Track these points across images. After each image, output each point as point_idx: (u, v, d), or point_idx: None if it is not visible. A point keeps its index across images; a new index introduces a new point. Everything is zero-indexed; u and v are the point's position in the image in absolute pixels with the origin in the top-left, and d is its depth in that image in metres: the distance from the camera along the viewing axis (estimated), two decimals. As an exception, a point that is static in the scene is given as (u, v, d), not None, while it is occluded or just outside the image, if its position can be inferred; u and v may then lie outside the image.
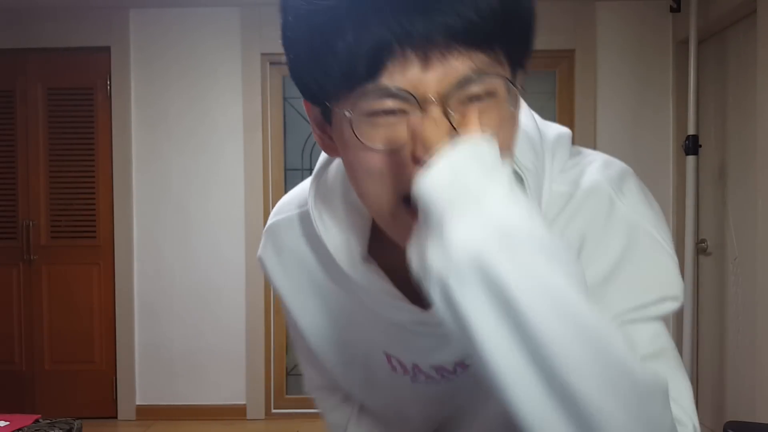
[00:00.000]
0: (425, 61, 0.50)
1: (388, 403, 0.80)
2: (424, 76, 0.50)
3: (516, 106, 0.55)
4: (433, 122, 0.50)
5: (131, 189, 3.56)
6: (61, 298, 3.60)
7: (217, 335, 3.55)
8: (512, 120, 0.56)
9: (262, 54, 3.52)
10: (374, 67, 0.50)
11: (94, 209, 3.58)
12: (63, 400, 3.59)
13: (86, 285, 3.59)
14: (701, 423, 3.34)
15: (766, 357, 2.60)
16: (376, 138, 0.53)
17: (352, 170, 0.57)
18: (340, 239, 0.65)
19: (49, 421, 2.33)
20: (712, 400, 3.21)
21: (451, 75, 0.50)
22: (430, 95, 0.50)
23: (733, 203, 3.01)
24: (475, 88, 0.52)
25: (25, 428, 2.24)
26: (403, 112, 0.52)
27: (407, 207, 0.53)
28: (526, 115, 0.66)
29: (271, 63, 3.54)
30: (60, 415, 2.87)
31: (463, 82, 0.51)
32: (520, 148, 0.61)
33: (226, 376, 3.56)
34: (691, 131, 3.03)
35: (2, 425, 2.22)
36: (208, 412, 3.56)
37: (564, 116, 3.53)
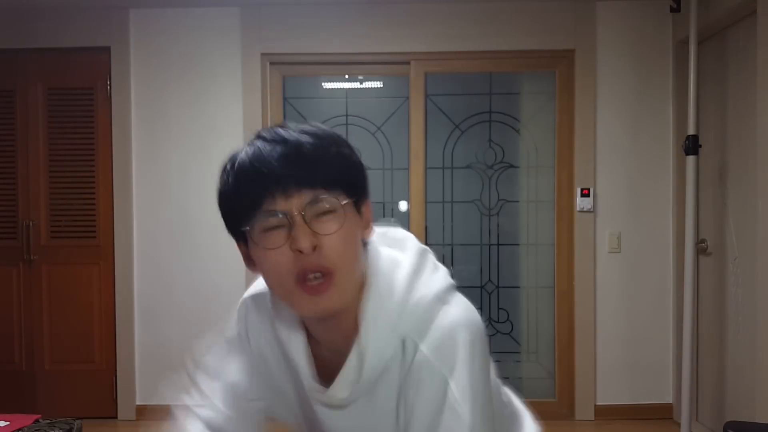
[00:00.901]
0: (285, 196, 0.84)
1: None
2: (287, 203, 0.84)
3: (359, 215, 0.90)
4: (299, 227, 0.83)
5: (131, 189, 3.56)
6: (61, 298, 3.60)
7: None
8: (352, 233, 0.88)
9: (262, 54, 3.52)
10: (258, 205, 0.85)
11: (94, 209, 3.58)
12: (63, 400, 3.59)
13: (86, 285, 3.59)
14: (701, 423, 3.36)
15: (766, 357, 2.60)
16: (270, 243, 0.85)
17: (263, 270, 0.89)
18: (288, 332, 0.97)
19: (49, 421, 2.33)
20: (712, 400, 3.21)
21: (302, 201, 0.84)
22: (294, 211, 0.83)
23: (733, 203, 3.01)
24: (319, 207, 0.84)
25: (25, 428, 2.24)
26: (281, 226, 0.84)
27: (298, 284, 0.85)
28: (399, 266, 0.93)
29: (271, 63, 3.54)
30: (60, 415, 2.87)
31: (310, 204, 0.84)
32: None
33: (226, 376, 3.56)
34: (691, 131, 3.03)
35: (2, 425, 2.22)
36: (208, 412, 3.55)
37: (564, 116, 3.53)
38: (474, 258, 3.63)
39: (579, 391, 3.51)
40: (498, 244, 3.63)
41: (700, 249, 3.23)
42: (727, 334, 3.06)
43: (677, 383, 3.39)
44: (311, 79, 3.66)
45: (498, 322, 3.64)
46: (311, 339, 0.95)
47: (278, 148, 0.85)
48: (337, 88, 3.65)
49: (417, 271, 0.92)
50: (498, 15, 3.47)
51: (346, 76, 3.64)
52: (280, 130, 0.88)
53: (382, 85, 3.65)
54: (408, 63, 3.54)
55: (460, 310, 0.90)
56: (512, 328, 3.64)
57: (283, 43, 3.50)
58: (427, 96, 3.58)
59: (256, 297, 1.03)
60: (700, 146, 3.06)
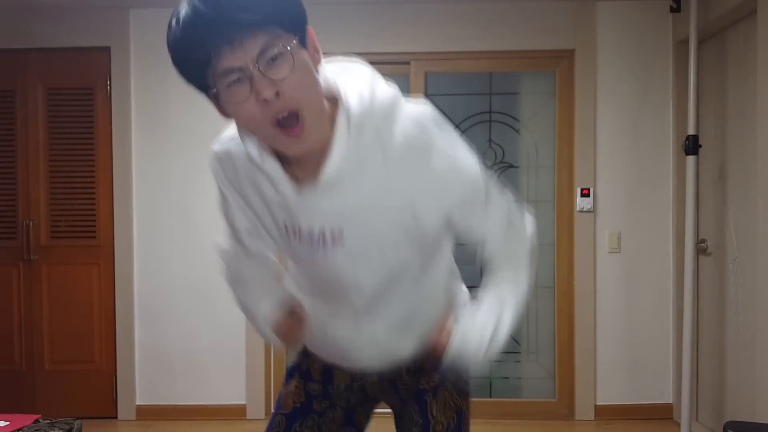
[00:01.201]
0: (233, 50, 0.90)
1: (288, 254, 1.18)
2: (236, 56, 0.90)
3: (305, 51, 0.98)
4: (258, 80, 0.91)
5: (131, 189, 3.56)
6: (61, 298, 3.60)
7: (217, 335, 3.55)
8: (306, 62, 0.97)
9: (262, 54, 3.52)
10: (207, 64, 0.92)
11: (94, 209, 3.58)
12: (63, 400, 3.60)
13: (86, 285, 3.59)
14: (701, 423, 3.36)
15: (766, 357, 2.60)
16: (237, 97, 0.94)
17: (237, 120, 1.02)
18: (254, 149, 1.04)
19: (49, 421, 2.33)
20: (712, 400, 3.21)
21: (252, 53, 0.91)
22: (249, 65, 0.91)
23: (733, 203, 3.01)
24: (269, 54, 0.92)
25: (25, 428, 2.24)
26: (241, 79, 0.92)
27: (277, 127, 0.95)
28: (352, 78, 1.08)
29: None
30: (60, 415, 2.87)
31: (261, 54, 0.91)
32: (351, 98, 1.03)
33: (226, 376, 3.56)
34: (691, 131, 3.03)
35: (2, 425, 2.22)
36: (208, 412, 3.56)
37: (564, 116, 3.53)
38: (474, 258, 3.63)
39: (579, 391, 3.51)
40: (498, 244, 3.63)
41: (700, 249, 3.23)
42: (727, 334, 3.06)
43: (677, 383, 3.39)
44: (311, 79, 3.66)
45: (498, 322, 3.64)
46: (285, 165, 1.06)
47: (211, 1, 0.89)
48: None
49: (373, 82, 1.07)
50: (498, 15, 3.47)
51: (346, 76, 3.63)
52: None
53: (382, 85, 3.65)
54: (408, 63, 3.54)
55: (418, 104, 1.10)
56: (512, 328, 3.64)
57: (283, 43, 3.50)
58: (427, 96, 3.58)
59: (220, 146, 1.16)
60: (700, 146, 3.06)
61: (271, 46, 0.92)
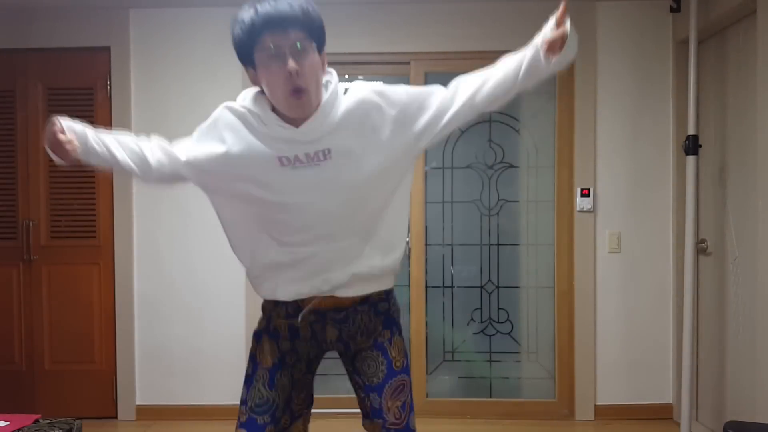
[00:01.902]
0: (279, 32, 1.42)
1: (276, 191, 1.52)
2: (280, 38, 1.42)
3: (320, 56, 1.51)
4: (290, 57, 1.41)
5: (131, 189, 3.56)
6: (61, 298, 3.60)
7: (217, 335, 3.56)
8: (318, 62, 1.49)
9: (262, 54, 3.52)
10: (258, 40, 1.43)
11: (94, 209, 3.58)
12: (63, 400, 3.60)
13: (86, 285, 3.59)
14: (701, 423, 3.36)
15: (766, 357, 2.60)
16: (272, 65, 1.43)
17: (267, 84, 1.47)
18: (261, 109, 1.52)
19: (49, 421, 2.33)
20: (712, 400, 3.21)
21: (290, 41, 1.42)
22: (286, 48, 1.42)
23: (733, 203, 3.01)
24: (300, 46, 1.43)
25: (25, 428, 2.24)
26: (278, 55, 1.42)
27: (292, 95, 1.44)
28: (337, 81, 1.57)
29: (271, 63, 3.55)
30: (60, 415, 2.87)
31: (294, 43, 1.42)
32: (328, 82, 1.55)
33: (226, 377, 3.56)
34: (691, 131, 3.03)
35: (2, 425, 2.22)
36: (208, 412, 3.56)
37: (564, 116, 3.53)
38: (474, 258, 3.63)
39: (579, 391, 3.51)
40: (498, 244, 3.63)
41: (700, 249, 3.23)
42: (727, 334, 3.06)
43: (677, 383, 3.39)
44: (311, 79, 3.66)
45: (498, 322, 3.64)
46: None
47: (280, 5, 1.42)
48: (337, 88, 3.65)
49: (352, 83, 1.57)
50: (498, 15, 3.48)
51: (346, 76, 3.64)
52: None
53: (382, 85, 3.65)
54: (408, 63, 3.54)
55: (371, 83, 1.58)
56: (512, 328, 3.64)
57: (283, 43, 3.50)
58: (427, 96, 3.58)
59: (234, 105, 1.55)
60: (700, 146, 3.06)
61: (301, 40, 1.44)
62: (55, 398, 3.60)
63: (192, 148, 1.60)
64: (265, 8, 1.41)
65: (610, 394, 3.51)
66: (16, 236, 3.61)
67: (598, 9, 3.47)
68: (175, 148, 1.65)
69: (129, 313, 3.57)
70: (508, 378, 3.66)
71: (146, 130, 3.55)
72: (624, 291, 3.51)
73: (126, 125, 3.54)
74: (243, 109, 1.52)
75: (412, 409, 1.71)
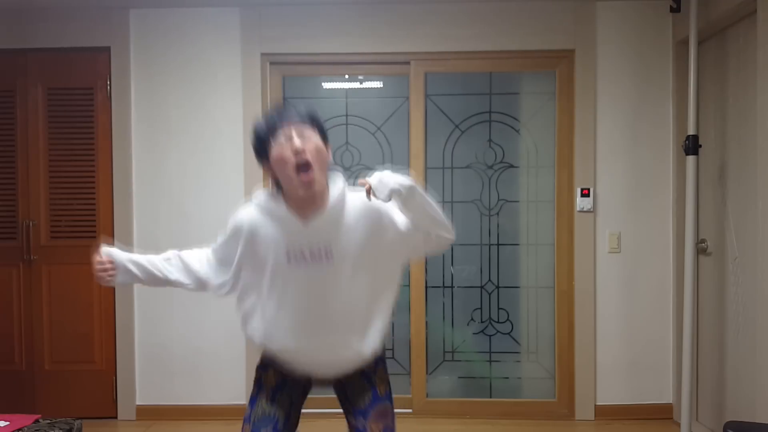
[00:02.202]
0: (290, 126, 1.69)
1: (280, 286, 1.75)
2: (290, 129, 1.68)
3: (323, 145, 1.71)
4: (296, 138, 1.67)
5: (131, 189, 3.56)
6: (61, 298, 3.60)
7: (217, 335, 3.56)
8: (322, 146, 1.71)
9: (262, 54, 3.52)
10: (275, 133, 1.70)
11: (94, 209, 3.58)
12: (63, 400, 3.60)
13: (86, 285, 3.59)
14: (701, 423, 3.36)
15: (766, 357, 2.60)
16: (282, 146, 1.67)
17: (278, 166, 1.68)
18: (276, 205, 1.74)
19: (49, 421, 2.33)
20: (712, 400, 3.21)
21: (297, 128, 1.68)
22: (293, 132, 1.68)
23: (733, 203, 3.01)
24: (306, 134, 1.69)
25: (25, 428, 2.24)
26: (287, 140, 1.67)
27: (297, 172, 1.65)
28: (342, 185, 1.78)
29: (271, 63, 3.54)
30: (60, 415, 2.87)
31: (302, 131, 1.68)
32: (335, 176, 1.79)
33: (226, 376, 3.56)
34: (691, 131, 3.03)
35: (2, 425, 2.22)
36: (208, 412, 3.56)
37: (564, 116, 3.53)
38: (474, 258, 3.63)
39: (579, 391, 3.51)
40: (498, 244, 3.63)
41: (700, 249, 3.24)
42: (727, 334, 3.06)
43: (677, 383, 3.39)
44: (311, 79, 3.66)
45: (498, 322, 3.64)
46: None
47: (291, 108, 1.73)
48: (337, 88, 3.65)
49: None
50: (498, 15, 3.48)
51: (346, 76, 3.64)
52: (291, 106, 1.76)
53: (382, 85, 3.65)
54: (408, 63, 3.54)
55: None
56: (512, 328, 3.64)
57: (283, 43, 3.50)
58: (427, 96, 3.58)
59: (247, 211, 1.81)
60: (700, 146, 3.06)
61: (307, 129, 1.69)
62: (55, 398, 3.60)
63: (219, 250, 1.91)
64: (279, 110, 1.74)
65: (610, 394, 3.51)
66: (16, 236, 3.61)
67: (598, 9, 3.47)
68: (205, 258, 1.95)
69: (129, 313, 3.57)
70: (508, 378, 3.66)
71: (146, 130, 3.57)
72: (624, 291, 3.51)
73: (126, 125, 3.54)
74: (259, 205, 1.78)
75: None
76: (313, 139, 1.68)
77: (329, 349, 1.79)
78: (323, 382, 1.94)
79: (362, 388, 1.92)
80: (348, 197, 1.75)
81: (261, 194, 1.79)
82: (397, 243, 1.75)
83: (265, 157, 1.72)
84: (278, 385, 1.88)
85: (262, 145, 1.72)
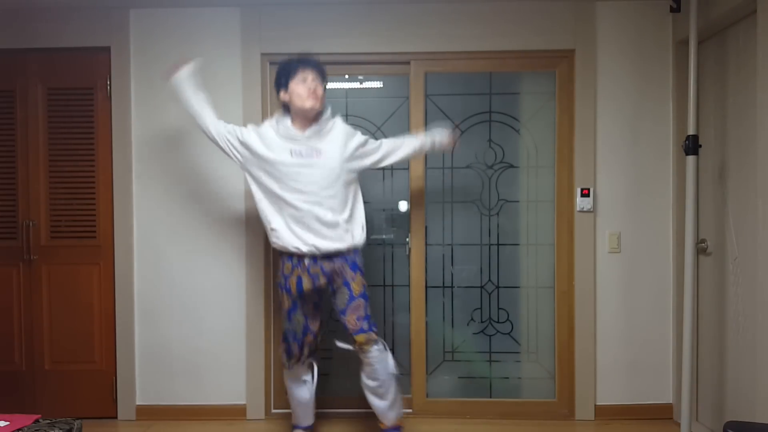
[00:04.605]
0: (309, 69, 2.85)
1: (289, 177, 2.77)
2: (309, 72, 2.83)
3: (324, 89, 2.88)
4: (312, 81, 2.83)
5: (131, 189, 3.56)
6: (61, 298, 3.60)
7: (217, 335, 3.56)
8: (323, 94, 2.86)
9: (262, 54, 3.52)
10: (296, 72, 2.84)
11: (94, 209, 3.58)
12: (63, 400, 3.60)
13: (86, 285, 3.59)
14: (701, 423, 3.35)
15: (766, 357, 2.60)
16: (301, 85, 2.81)
17: (296, 96, 2.81)
18: (283, 123, 2.87)
19: (49, 421, 2.33)
20: (712, 400, 3.21)
21: (313, 74, 2.84)
22: (310, 77, 2.82)
23: (733, 203, 3.01)
24: (316, 81, 2.85)
25: (25, 428, 2.24)
26: (304, 80, 2.82)
27: (309, 101, 2.81)
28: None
29: (271, 63, 3.54)
30: (60, 415, 2.87)
31: (314, 77, 2.84)
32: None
33: (226, 376, 3.57)
34: (691, 131, 3.03)
35: (2, 425, 2.22)
36: (208, 412, 3.56)
37: (564, 116, 3.53)
38: (474, 258, 3.63)
39: (579, 391, 3.51)
40: (498, 244, 3.63)
41: (700, 249, 3.24)
42: (727, 334, 3.06)
43: (677, 383, 3.39)
44: (311, 79, 3.66)
45: (498, 322, 3.64)
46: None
47: (310, 59, 2.84)
48: (337, 88, 3.65)
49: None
50: (498, 15, 3.48)
51: (346, 76, 3.64)
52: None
53: (382, 85, 3.65)
54: (408, 63, 3.54)
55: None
56: (512, 328, 3.64)
57: (283, 43, 3.50)
58: (427, 96, 3.58)
59: (268, 122, 2.88)
60: (700, 146, 3.06)
61: (319, 77, 2.82)
62: (55, 398, 3.60)
63: (246, 132, 2.86)
64: (301, 57, 2.82)
65: (610, 394, 3.51)
66: (16, 236, 3.61)
67: (598, 9, 3.47)
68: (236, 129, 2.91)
69: (129, 313, 3.57)
70: (508, 378, 3.66)
71: (146, 130, 3.56)
72: (624, 291, 3.51)
73: (126, 125, 3.54)
74: (274, 123, 2.85)
75: (367, 319, 2.81)
76: (320, 87, 2.79)
77: (320, 212, 2.73)
78: (323, 286, 2.81)
79: (343, 293, 2.80)
80: (337, 122, 2.85)
81: (273, 118, 2.86)
82: (362, 156, 2.88)
83: (284, 86, 2.80)
84: (294, 304, 2.85)
85: (286, 77, 2.78)
